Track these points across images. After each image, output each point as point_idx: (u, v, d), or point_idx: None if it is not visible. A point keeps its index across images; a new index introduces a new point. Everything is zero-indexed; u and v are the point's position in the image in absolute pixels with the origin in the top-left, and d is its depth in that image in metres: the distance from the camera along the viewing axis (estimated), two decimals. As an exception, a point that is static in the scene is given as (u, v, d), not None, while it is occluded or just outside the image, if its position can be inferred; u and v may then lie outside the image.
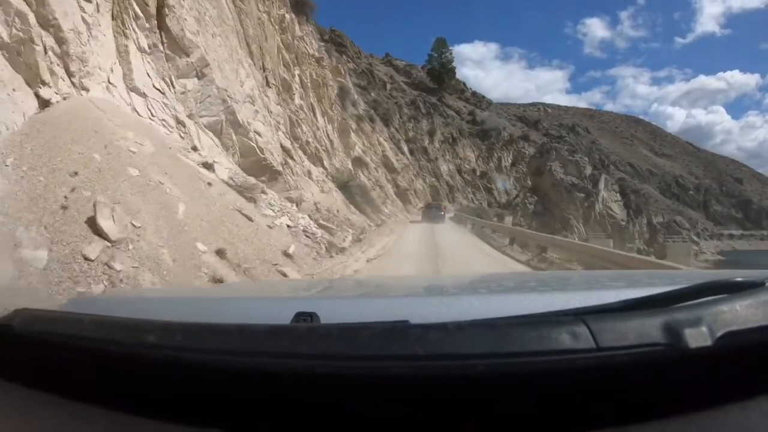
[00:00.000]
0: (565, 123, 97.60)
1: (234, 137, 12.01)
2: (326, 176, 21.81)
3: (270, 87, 17.12)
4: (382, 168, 39.23)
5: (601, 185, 49.71)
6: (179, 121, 9.64)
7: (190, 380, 0.67)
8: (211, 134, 11.14)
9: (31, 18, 6.31)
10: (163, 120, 9.05)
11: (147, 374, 0.70)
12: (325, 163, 23.14)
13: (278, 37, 20.63)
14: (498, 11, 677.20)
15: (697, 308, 0.63)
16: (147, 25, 9.57)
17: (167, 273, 5.22)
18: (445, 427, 0.59)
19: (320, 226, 12.29)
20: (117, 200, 5.61)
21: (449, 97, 79.51)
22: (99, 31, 7.97)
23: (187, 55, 10.74)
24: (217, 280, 5.72)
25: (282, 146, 15.63)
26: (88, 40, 7.54)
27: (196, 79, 11.03)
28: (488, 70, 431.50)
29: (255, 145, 12.62)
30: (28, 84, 6.20)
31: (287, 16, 22.73)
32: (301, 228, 10.98)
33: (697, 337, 0.57)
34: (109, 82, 8.08)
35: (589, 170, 52.54)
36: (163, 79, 9.77)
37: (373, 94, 51.40)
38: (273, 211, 10.63)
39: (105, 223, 4.96)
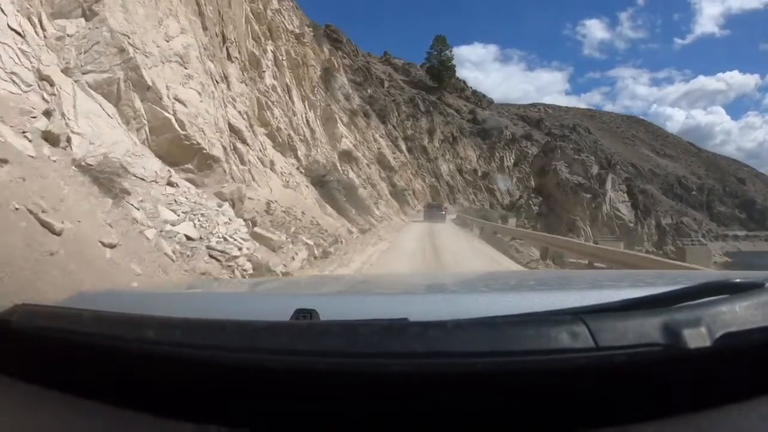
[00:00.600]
0: (566, 123, 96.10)
1: (138, 104, 8.40)
2: (297, 168, 17.92)
3: (232, 61, 14.04)
4: (376, 165, 36.08)
5: (608, 185, 47.61)
6: (43, 77, 6.71)
7: (190, 376, 0.67)
8: (100, 98, 7.78)
9: None
10: (13, 74, 6.14)
11: (146, 370, 0.70)
12: (300, 153, 19.49)
13: (247, 6, 17.54)
14: (497, 13, 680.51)
15: (697, 309, 0.63)
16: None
17: None
18: (443, 425, 0.60)
19: (255, 236, 8.57)
20: None
21: (449, 95, 77.38)
22: None
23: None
24: None
25: (231, 126, 12.06)
26: None
27: (82, 19, 8.08)
28: (487, 72, 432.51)
29: (172, 118, 8.86)
30: None
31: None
32: (214, 242, 7.14)
33: (696, 338, 0.57)
34: None
35: (595, 169, 49.64)
36: (28, 18, 7.06)
37: (369, 90, 48.53)
38: (176, 213, 7.22)
39: None
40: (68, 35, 7.77)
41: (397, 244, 16.32)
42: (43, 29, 7.42)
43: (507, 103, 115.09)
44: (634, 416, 0.59)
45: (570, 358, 0.58)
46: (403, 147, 49.47)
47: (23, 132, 5.60)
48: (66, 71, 7.35)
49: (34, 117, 5.99)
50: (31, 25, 7.12)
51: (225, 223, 8.07)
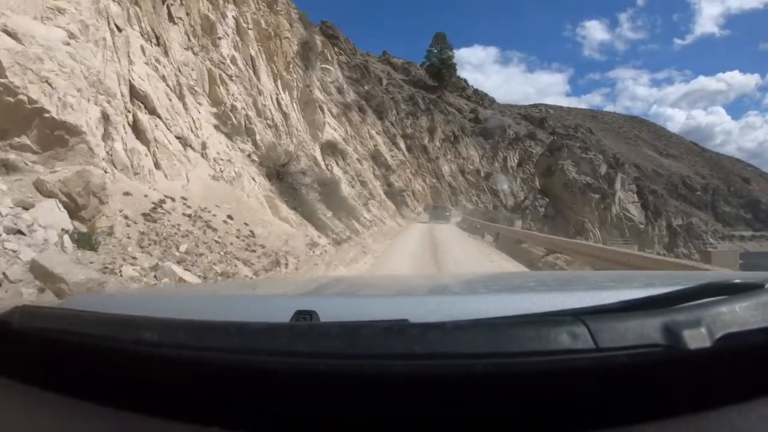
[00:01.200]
0: (568, 124, 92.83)
1: None
2: (249, 156, 13.31)
3: (174, 22, 11.11)
4: (369, 162, 32.62)
5: (618, 185, 45.49)
6: None
7: (190, 378, 0.67)
8: None
9: None
10: None
11: (146, 371, 0.70)
12: (261, 138, 15.10)
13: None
14: (497, 15, 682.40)
15: (697, 309, 0.63)
16: None
17: None
18: (443, 426, 0.60)
19: (41, 273, 4.52)
20: None
21: (450, 95, 74.98)
22: None
23: None
24: None
25: (135, 90, 8.77)
26: None
27: None
28: (488, 74, 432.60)
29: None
30: None
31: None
32: None
33: (696, 339, 0.58)
34: None
35: (604, 169, 46.43)
36: None
37: (366, 87, 45.55)
38: None
39: None
40: None
41: (385, 260, 12.32)
42: None
43: (508, 104, 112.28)
44: (635, 417, 0.59)
45: (570, 359, 0.58)
46: (402, 145, 46.55)
47: None
48: None
49: None
50: None
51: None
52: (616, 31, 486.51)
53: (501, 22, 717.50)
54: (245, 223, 9.03)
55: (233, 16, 16.60)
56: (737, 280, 0.73)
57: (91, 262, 5.26)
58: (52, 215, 5.46)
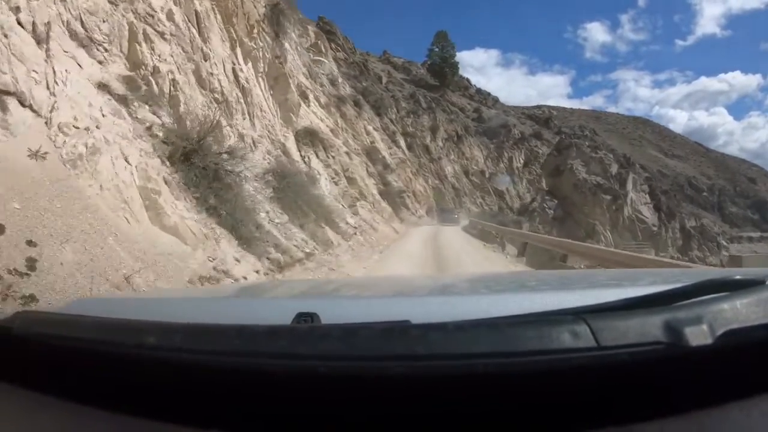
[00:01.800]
0: (572, 125, 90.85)
1: None
2: (149, 128, 8.56)
3: None
4: (362, 157, 28.27)
5: (629, 185, 43.66)
6: None
7: (190, 381, 0.67)
8: None
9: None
10: None
11: (146, 375, 0.70)
12: (184, 110, 10.23)
13: None
14: (498, 17, 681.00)
15: (698, 306, 0.63)
16: None
17: None
18: (445, 427, 0.59)
19: None
20: None
21: (452, 94, 72.22)
22: None
23: None
24: None
25: None
26: None
27: None
28: (489, 77, 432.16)
29: None
30: None
31: None
32: None
33: (698, 336, 0.57)
34: None
35: (614, 168, 43.51)
36: None
37: (364, 83, 42.67)
38: None
39: None
40: None
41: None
42: None
43: (511, 105, 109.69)
44: (637, 415, 0.58)
45: (572, 357, 0.58)
46: (402, 143, 43.40)
47: None
48: None
49: None
50: None
51: None
52: (617, 33, 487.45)
53: (502, 24, 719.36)
54: (30, 243, 4.38)
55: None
56: (738, 277, 0.73)
57: None
58: None
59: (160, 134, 8.48)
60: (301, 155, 18.12)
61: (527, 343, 0.59)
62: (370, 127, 34.84)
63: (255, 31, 16.65)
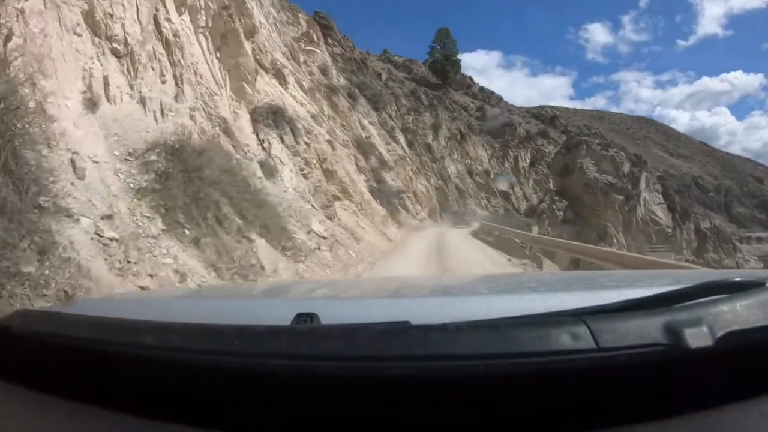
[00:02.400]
0: (576, 124, 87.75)
1: None
2: None
3: None
4: (351, 149, 23.93)
5: (642, 185, 41.17)
6: None
7: (190, 381, 0.67)
8: None
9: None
10: None
11: (146, 375, 0.70)
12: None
13: None
14: (500, 19, 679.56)
15: (698, 308, 0.63)
16: None
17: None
18: (445, 428, 0.59)
19: None
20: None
21: (455, 92, 69.52)
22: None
23: None
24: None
25: None
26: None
27: None
28: (491, 79, 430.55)
29: None
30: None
31: None
32: None
33: (698, 337, 0.57)
34: None
35: (627, 167, 40.44)
36: None
37: (361, 78, 39.67)
38: None
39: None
40: None
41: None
42: None
43: (514, 106, 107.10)
44: (637, 417, 0.58)
45: (571, 359, 0.58)
46: (402, 139, 40.05)
47: None
48: None
49: None
50: None
51: None
52: (618, 34, 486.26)
53: (504, 26, 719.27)
54: None
55: None
56: (738, 279, 0.73)
57: None
58: None
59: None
60: (258, 138, 13.66)
61: (527, 344, 0.59)
62: (365, 121, 31.51)
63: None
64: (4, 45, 6.08)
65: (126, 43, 9.28)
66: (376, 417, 0.60)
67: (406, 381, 0.58)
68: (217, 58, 13.23)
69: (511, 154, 58.15)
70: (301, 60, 23.60)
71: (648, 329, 0.58)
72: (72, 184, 5.77)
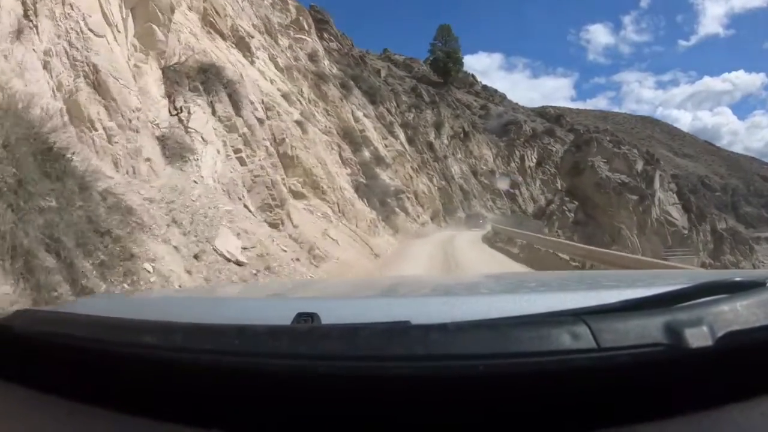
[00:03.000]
0: (581, 124, 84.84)
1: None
2: None
3: None
4: (334, 137, 19.86)
5: (657, 184, 38.13)
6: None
7: (190, 381, 0.67)
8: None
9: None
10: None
11: (147, 375, 0.70)
12: None
13: None
14: (501, 21, 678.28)
15: (698, 308, 0.63)
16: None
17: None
18: (445, 428, 0.59)
19: None
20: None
21: (457, 91, 67.21)
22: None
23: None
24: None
25: None
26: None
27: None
28: (493, 80, 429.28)
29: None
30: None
31: None
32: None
33: (698, 337, 0.57)
34: None
35: (640, 165, 37.65)
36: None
37: (357, 71, 36.71)
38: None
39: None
40: None
41: None
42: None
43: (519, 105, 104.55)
44: (637, 416, 0.58)
45: (572, 359, 0.57)
46: (402, 135, 36.42)
47: None
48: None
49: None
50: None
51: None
52: (620, 34, 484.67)
53: (505, 28, 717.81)
54: None
55: None
56: (738, 279, 0.73)
57: None
58: None
59: None
60: (172, 106, 9.63)
61: (527, 344, 0.59)
62: (360, 113, 28.12)
63: None
64: None
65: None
66: (376, 417, 0.60)
67: (406, 381, 0.58)
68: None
69: (517, 153, 55.81)
70: (286, 44, 20.90)
71: (648, 329, 0.58)
72: None
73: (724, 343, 0.57)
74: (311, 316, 0.78)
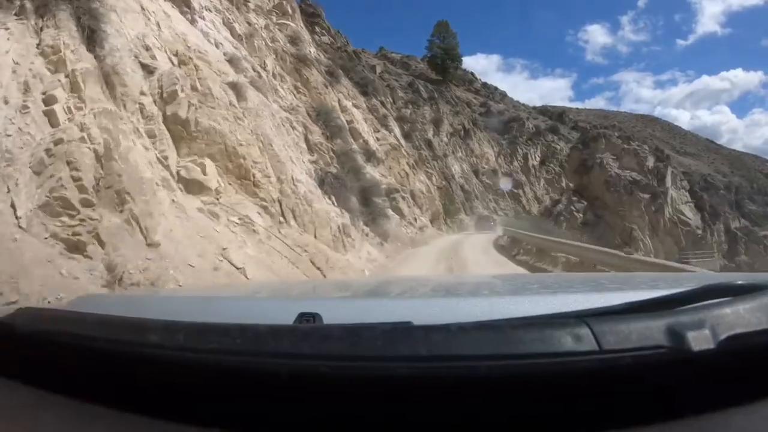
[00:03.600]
0: (584, 122, 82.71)
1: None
2: None
3: None
4: (300, 116, 16.17)
5: (669, 181, 36.02)
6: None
7: (193, 380, 0.67)
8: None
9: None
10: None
11: (149, 373, 0.70)
12: None
13: None
14: (499, 23, 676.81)
15: (701, 311, 0.63)
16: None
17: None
18: (447, 428, 0.60)
19: None
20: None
21: (456, 88, 64.75)
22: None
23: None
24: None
25: None
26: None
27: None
28: (491, 82, 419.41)
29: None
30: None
31: None
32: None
33: (700, 340, 0.57)
34: None
35: (651, 161, 35.19)
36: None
37: (349, 63, 33.79)
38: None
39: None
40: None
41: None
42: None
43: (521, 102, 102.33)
44: (638, 419, 0.58)
45: (574, 361, 0.58)
46: (396, 130, 32.94)
47: None
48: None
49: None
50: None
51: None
52: (618, 35, 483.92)
53: (503, 29, 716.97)
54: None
55: None
56: (740, 282, 0.73)
57: None
58: None
59: None
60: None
61: (529, 345, 0.59)
62: (347, 103, 24.93)
63: None
64: None
65: None
66: (378, 417, 0.60)
67: (408, 381, 0.58)
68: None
69: (520, 151, 53.39)
70: (262, 24, 17.95)
71: (650, 332, 0.58)
72: None
73: (726, 346, 0.57)
74: (313, 316, 0.79)
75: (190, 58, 10.65)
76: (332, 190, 14.23)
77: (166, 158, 8.40)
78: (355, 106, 26.44)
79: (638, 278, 2.20)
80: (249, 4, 18.26)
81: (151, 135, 8.33)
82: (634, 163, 35.16)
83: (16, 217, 5.29)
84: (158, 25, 10.67)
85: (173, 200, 7.90)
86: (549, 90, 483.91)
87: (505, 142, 54.41)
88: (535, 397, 0.58)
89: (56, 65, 7.07)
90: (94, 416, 0.70)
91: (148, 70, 9.10)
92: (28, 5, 7.17)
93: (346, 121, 22.48)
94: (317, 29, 35.75)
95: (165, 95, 9.09)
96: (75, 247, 5.56)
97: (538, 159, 54.48)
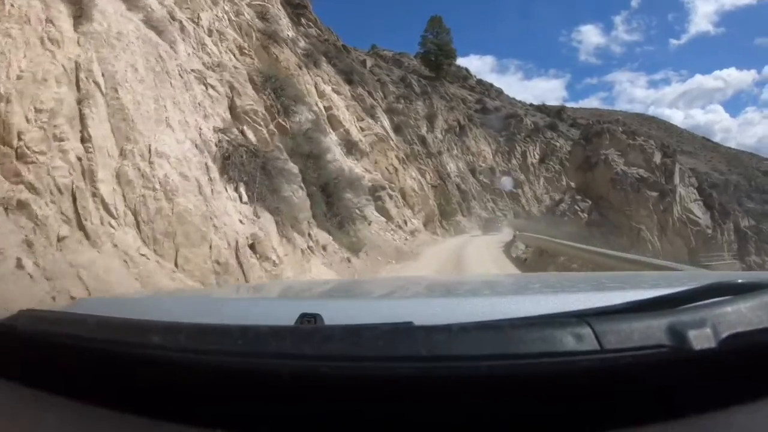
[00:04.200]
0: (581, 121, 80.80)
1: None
2: None
3: None
4: (226, 73, 9.76)
5: (677, 178, 33.93)
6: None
7: (194, 381, 0.67)
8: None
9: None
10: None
11: (151, 375, 0.70)
12: None
13: None
14: (493, 24, 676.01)
15: (702, 310, 0.63)
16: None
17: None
18: (448, 428, 0.60)
19: None
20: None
21: (450, 85, 62.54)
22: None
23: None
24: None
25: None
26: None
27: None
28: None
29: None
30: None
31: None
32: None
33: (702, 339, 0.57)
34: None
35: (658, 157, 36.43)
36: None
37: (336, 54, 30.75)
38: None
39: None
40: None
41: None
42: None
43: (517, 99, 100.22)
44: (640, 418, 0.58)
45: (575, 360, 0.57)
46: (385, 121, 29.23)
47: None
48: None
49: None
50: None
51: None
52: (611, 35, 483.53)
53: (496, 30, 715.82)
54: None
55: None
56: (742, 280, 0.72)
57: None
58: None
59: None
60: None
61: (530, 345, 0.58)
62: (327, 88, 21.38)
63: None
64: None
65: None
66: (379, 417, 0.59)
67: (409, 381, 0.58)
68: None
69: (518, 148, 51.32)
70: None
71: (652, 331, 0.58)
72: None
73: (727, 345, 0.57)
74: (314, 317, 0.79)
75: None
76: (242, 176, 7.93)
77: None
78: (336, 91, 22.83)
79: (639, 277, 2.22)
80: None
81: None
82: (641, 160, 33.56)
83: None
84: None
85: None
86: (543, 90, 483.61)
87: (503, 140, 52.53)
88: (536, 396, 0.57)
89: None
90: (95, 418, 0.70)
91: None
92: None
93: (324, 107, 19.53)
94: (303, 20, 33.06)
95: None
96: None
97: (537, 157, 52.52)
